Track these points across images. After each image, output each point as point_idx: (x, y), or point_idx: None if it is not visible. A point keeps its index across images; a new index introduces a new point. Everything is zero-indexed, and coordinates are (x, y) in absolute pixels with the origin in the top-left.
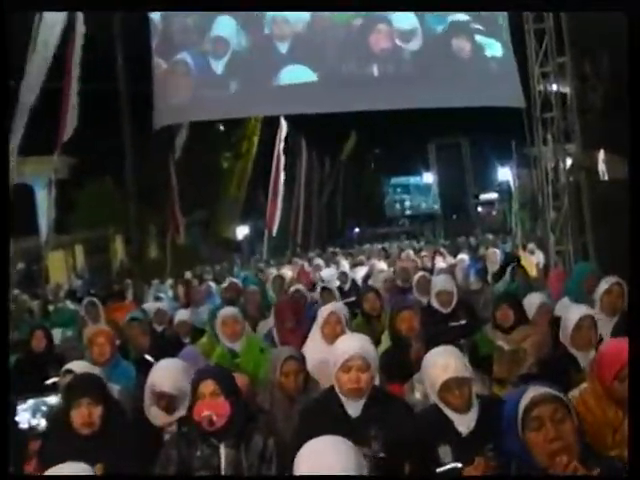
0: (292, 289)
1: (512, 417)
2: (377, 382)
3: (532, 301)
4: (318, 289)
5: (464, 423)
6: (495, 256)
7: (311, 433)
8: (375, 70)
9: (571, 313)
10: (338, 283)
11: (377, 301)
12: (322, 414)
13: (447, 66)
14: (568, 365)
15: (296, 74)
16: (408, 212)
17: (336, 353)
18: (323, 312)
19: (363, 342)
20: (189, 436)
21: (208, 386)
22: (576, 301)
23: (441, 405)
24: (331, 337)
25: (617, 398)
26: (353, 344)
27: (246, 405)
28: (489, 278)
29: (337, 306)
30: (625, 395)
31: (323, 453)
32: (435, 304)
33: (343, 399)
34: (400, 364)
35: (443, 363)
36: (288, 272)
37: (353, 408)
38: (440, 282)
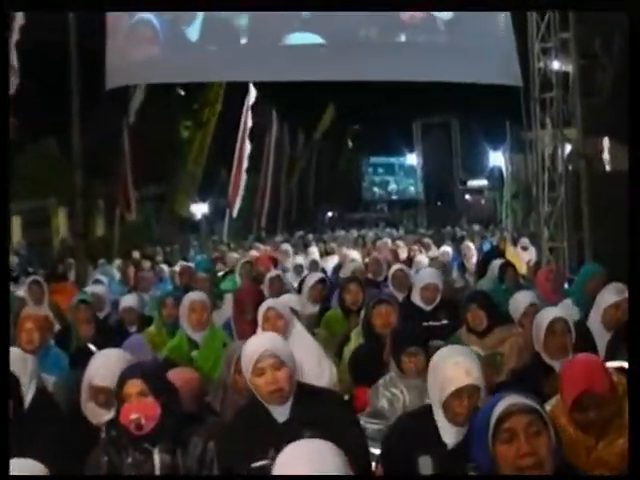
0: (269, 275)
1: (483, 428)
2: (335, 383)
3: (520, 300)
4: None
5: (453, 434)
6: (469, 251)
7: (241, 441)
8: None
9: (541, 317)
10: (306, 272)
11: (360, 293)
12: (250, 421)
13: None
14: (544, 374)
15: (302, 37)
16: (388, 197)
17: (245, 359)
18: (261, 308)
19: (271, 338)
20: (119, 441)
21: (135, 386)
22: (578, 305)
23: (439, 412)
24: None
25: (581, 425)
26: (259, 342)
27: (200, 404)
28: (467, 275)
29: (279, 300)
30: (590, 422)
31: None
32: (417, 300)
33: (267, 405)
34: (371, 365)
35: (467, 367)
36: (256, 256)
37: (279, 413)
38: (427, 275)
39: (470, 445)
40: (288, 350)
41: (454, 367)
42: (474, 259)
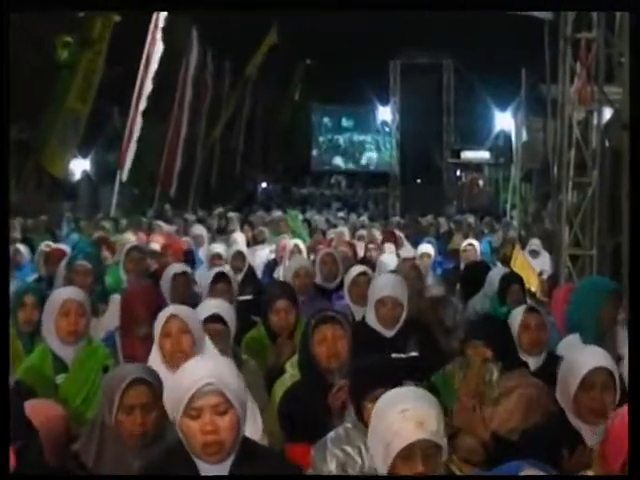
0: (172, 271)
1: None
2: (261, 437)
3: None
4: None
5: None
6: (475, 254)
7: None
8: None
9: (575, 363)
10: (227, 268)
11: (292, 311)
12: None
13: None
14: (568, 440)
15: None
16: (347, 167)
17: (177, 392)
18: (160, 317)
19: (217, 366)
20: None
21: None
22: (583, 338)
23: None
24: (174, 358)
25: None
26: (200, 372)
27: (63, 454)
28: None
29: (184, 307)
30: None
31: None
32: (371, 320)
33: (196, 461)
34: (311, 411)
35: (419, 416)
36: (157, 241)
37: (212, 472)
38: (384, 285)
39: None
40: (239, 386)
41: (401, 417)
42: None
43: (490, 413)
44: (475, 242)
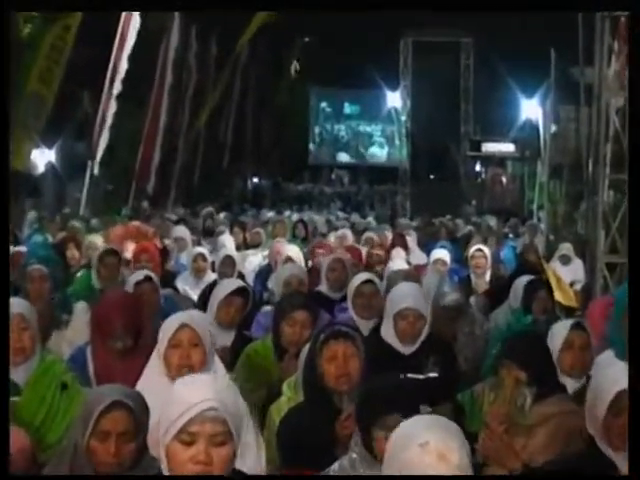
0: (133, 278)
1: None
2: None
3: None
4: None
5: None
6: (483, 261)
7: None
8: None
9: (606, 380)
10: (214, 276)
11: (309, 327)
12: None
13: None
14: (603, 470)
15: None
16: (350, 160)
17: (171, 410)
18: (169, 325)
19: (223, 389)
20: None
21: None
22: (617, 353)
23: None
24: (181, 374)
25: None
26: (203, 392)
27: None
28: (475, 299)
29: (196, 315)
30: None
31: None
32: (389, 335)
33: None
34: (315, 440)
35: (440, 448)
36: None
37: None
38: (405, 295)
39: None
40: (241, 415)
41: (421, 451)
42: (488, 275)
43: (523, 442)
44: (485, 247)
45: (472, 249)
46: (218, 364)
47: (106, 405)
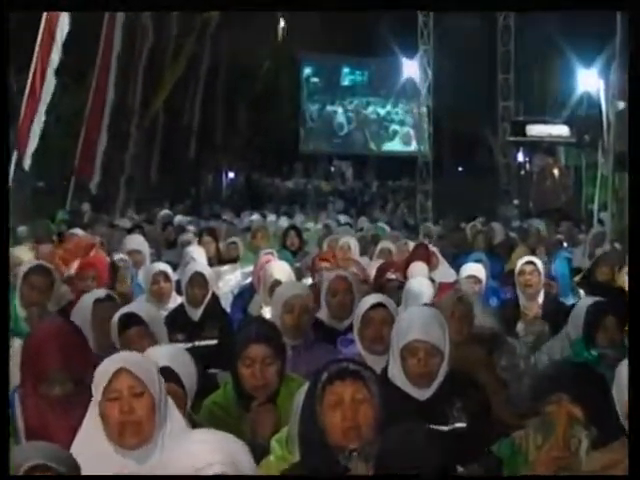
0: (91, 296)
1: None
2: None
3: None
4: None
5: None
6: (536, 277)
7: None
8: None
9: None
10: (180, 299)
11: (273, 363)
12: None
13: None
14: None
15: None
16: (353, 148)
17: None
18: (102, 372)
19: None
20: None
21: None
22: None
23: None
24: (125, 433)
25: None
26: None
27: None
28: (522, 326)
29: (135, 356)
30: None
31: None
32: (397, 376)
33: None
34: None
35: None
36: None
37: None
38: (413, 324)
39: None
40: None
41: None
42: (541, 296)
43: None
44: (537, 260)
45: (520, 262)
46: (175, 416)
47: (26, 469)
